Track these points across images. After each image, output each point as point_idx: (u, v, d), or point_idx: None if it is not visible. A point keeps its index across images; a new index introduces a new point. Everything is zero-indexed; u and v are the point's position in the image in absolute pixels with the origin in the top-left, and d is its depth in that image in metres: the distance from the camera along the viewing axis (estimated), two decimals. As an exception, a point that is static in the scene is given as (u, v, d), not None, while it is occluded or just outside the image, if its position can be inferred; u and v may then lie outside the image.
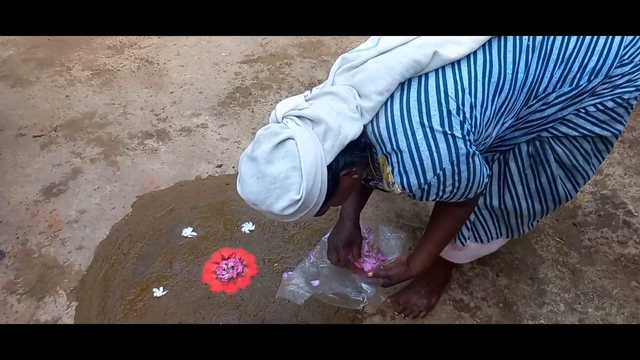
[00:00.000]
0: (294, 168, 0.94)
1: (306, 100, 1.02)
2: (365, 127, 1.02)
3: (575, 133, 1.12)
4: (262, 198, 0.96)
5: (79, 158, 2.06)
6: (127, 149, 2.11)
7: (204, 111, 2.30)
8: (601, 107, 1.09)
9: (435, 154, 0.97)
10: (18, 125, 2.20)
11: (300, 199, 0.94)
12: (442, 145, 0.97)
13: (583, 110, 1.10)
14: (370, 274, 1.28)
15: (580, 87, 1.06)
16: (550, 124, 1.12)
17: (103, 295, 1.60)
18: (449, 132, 0.97)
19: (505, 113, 1.06)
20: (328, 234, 1.43)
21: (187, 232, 1.79)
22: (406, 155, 0.98)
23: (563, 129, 1.12)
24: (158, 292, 1.60)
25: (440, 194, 1.03)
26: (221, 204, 1.89)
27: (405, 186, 1.01)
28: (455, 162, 0.98)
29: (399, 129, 0.98)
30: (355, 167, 1.05)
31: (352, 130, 0.99)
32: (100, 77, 2.50)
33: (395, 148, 0.99)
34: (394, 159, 1.01)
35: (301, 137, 0.94)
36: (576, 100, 1.08)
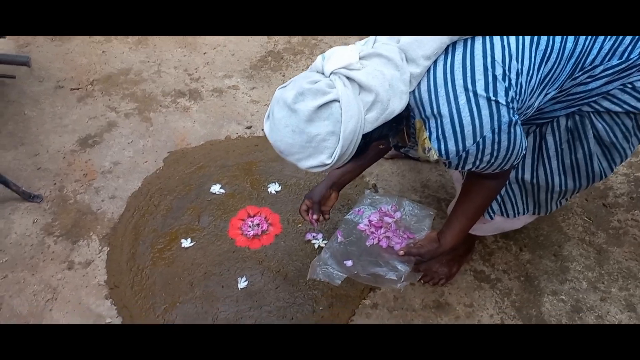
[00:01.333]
0: (333, 133, 0.92)
1: (360, 58, 0.97)
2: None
3: (618, 109, 1.08)
4: (293, 151, 0.96)
5: (114, 112, 2.11)
6: (160, 106, 2.15)
7: (236, 73, 2.32)
8: None
9: (477, 121, 0.94)
10: (57, 78, 2.26)
11: (330, 162, 0.95)
12: (485, 112, 0.94)
13: (630, 85, 1.06)
14: (401, 252, 1.26)
15: (631, 61, 1.02)
16: (593, 99, 1.08)
17: (133, 242, 1.67)
18: (493, 98, 0.94)
19: (550, 83, 1.03)
20: (351, 212, 1.44)
21: (216, 188, 1.83)
22: (446, 120, 0.96)
23: (606, 104, 1.09)
24: (186, 243, 1.66)
25: (478, 163, 1.01)
26: (249, 164, 1.93)
27: (443, 153, 0.99)
28: (496, 130, 0.96)
29: (441, 92, 0.95)
30: (386, 139, 1.07)
31: (399, 106, 0.97)
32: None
33: (435, 112, 0.97)
34: (433, 124, 0.98)
35: (347, 102, 0.91)
36: (624, 74, 1.04)
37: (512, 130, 0.98)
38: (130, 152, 1.95)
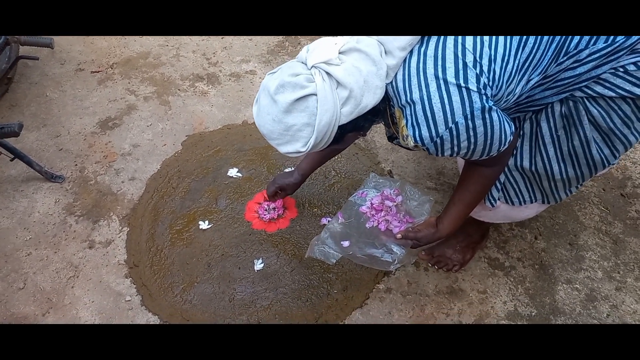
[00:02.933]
0: (309, 124, 0.98)
1: (339, 53, 1.00)
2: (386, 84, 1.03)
3: (612, 93, 1.06)
4: (272, 137, 1.03)
5: (134, 95, 2.14)
6: (179, 89, 2.17)
7: (253, 58, 2.33)
8: None
9: (447, 107, 0.96)
10: (77, 61, 2.29)
11: (305, 150, 1.01)
12: (455, 98, 0.95)
13: (621, 69, 1.04)
14: (399, 235, 1.30)
15: (617, 44, 1.00)
16: (584, 83, 1.07)
17: (153, 223, 1.70)
18: (463, 85, 0.95)
19: (531, 69, 1.02)
20: (355, 195, 1.47)
21: (233, 172, 1.85)
22: (419, 107, 0.98)
23: (599, 88, 1.07)
24: (203, 225, 1.69)
25: (456, 149, 1.02)
26: (266, 149, 1.94)
27: (417, 139, 1.01)
28: (469, 116, 0.96)
29: (414, 80, 0.98)
30: (363, 130, 1.11)
31: (372, 101, 1.01)
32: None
33: (409, 100, 0.99)
34: (408, 111, 1.01)
35: (324, 96, 0.96)
36: (612, 58, 1.03)
37: (487, 116, 0.98)
38: (150, 135, 1.98)
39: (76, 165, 1.88)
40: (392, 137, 1.29)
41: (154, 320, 1.48)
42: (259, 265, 1.59)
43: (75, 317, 1.49)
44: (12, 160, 1.72)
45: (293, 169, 1.63)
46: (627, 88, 1.05)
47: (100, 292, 1.54)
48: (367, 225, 1.39)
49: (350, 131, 1.07)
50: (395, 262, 1.30)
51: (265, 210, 1.72)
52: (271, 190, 1.63)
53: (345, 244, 1.37)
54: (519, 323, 1.47)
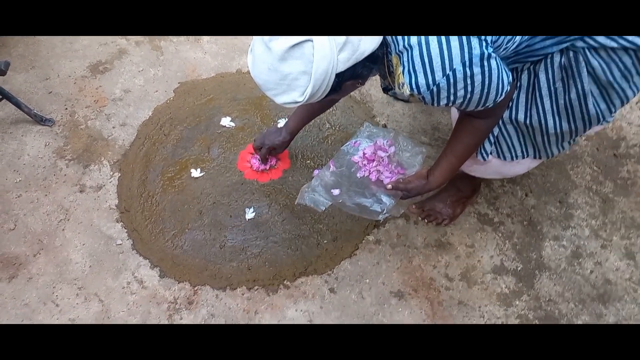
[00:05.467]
0: (305, 72, 0.95)
1: None
2: None
3: (614, 44, 1.04)
4: (268, 87, 1.00)
5: (125, 39, 2.07)
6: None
7: (249, 5, 2.25)
8: None
9: (445, 53, 0.93)
10: (66, 1, 2.21)
11: (302, 100, 0.98)
12: (454, 44, 0.92)
13: None
14: (389, 186, 1.30)
15: None
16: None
17: (144, 170, 1.69)
18: None
19: None
20: (348, 144, 1.46)
21: (226, 121, 1.83)
22: (416, 52, 0.95)
23: (601, 38, 1.04)
24: (195, 173, 1.68)
25: (452, 98, 0.99)
26: (259, 99, 1.91)
27: (414, 86, 0.98)
28: (467, 63, 0.93)
29: None
30: (362, 78, 1.07)
31: (370, 46, 0.98)
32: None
33: (406, 44, 0.96)
34: (405, 57, 0.97)
35: (320, 43, 0.93)
36: None
37: (486, 63, 0.95)
38: (141, 80, 1.94)
39: (66, 109, 1.84)
40: (387, 89, 1.26)
41: (144, 263, 1.50)
42: (250, 214, 1.60)
43: (66, 258, 1.50)
44: (-1, 101, 1.69)
45: (283, 123, 1.59)
46: (630, 38, 1.02)
47: (91, 235, 1.55)
48: (358, 175, 1.39)
49: (348, 79, 1.04)
50: (384, 212, 1.30)
51: (258, 160, 1.71)
52: (263, 153, 1.60)
53: (336, 192, 1.37)
54: (504, 277, 1.50)
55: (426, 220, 1.60)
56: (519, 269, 1.52)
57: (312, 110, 1.51)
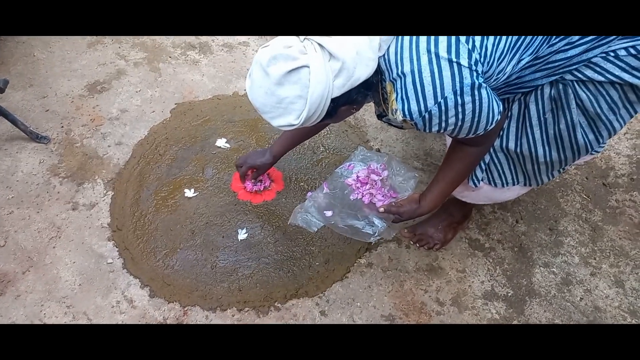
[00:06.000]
0: (301, 97, 0.98)
1: None
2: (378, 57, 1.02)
3: (601, 78, 1.07)
4: (265, 110, 1.03)
5: (124, 60, 2.11)
6: (170, 57, 2.14)
7: (248, 30, 2.30)
8: (633, 52, 1.03)
9: (437, 81, 0.96)
10: (67, 22, 2.24)
11: (298, 123, 1.01)
12: (446, 73, 0.95)
13: (612, 54, 1.05)
14: (382, 209, 1.31)
15: None
16: (575, 66, 1.08)
17: (138, 188, 1.70)
18: (454, 59, 0.95)
19: (522, 48, 1.03)
20: (342, 166, 1.48)
21: (221, 142, 1.84)
22: (409, 80, 0.98)
23: (589, 72, 1.08)
24: (189, 193, 1.69)
25: (444, 125, 1.02)
26: (255, 121, 1.93)
27: (406, 112, 1.01)
28: (458, 92, 0.96)
29: (406, 53, 0.98)
30: (356, 104, 1.10)
31: (365, 73, 1.01)
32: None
33: (400, 72, 0.99)
34: (399, 85, 1.00)
35: (316, 68, 0.96)
36: (603, 42, 1.04)
37: (477, 93, 0.98)
38: (138, 100, 1.96)
39: (62, 127, 1.85)
40: (381, 115, 1.29)
41: (134, 283, 1.49)
42: (242, 234, 1.60)
43: (55, 276, 1.48)
44: (-4, 117, 1.70)
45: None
46: (617, 73, 1.06)
47: (82, 254, 1.54)
48: (351, 197, 1.40)
49: (343, 104, 1.06)
50: (376, 234, 1.31)
51: (252, 182, 1.72)
52: (242, 171, 1.61)
53: (328, 213, 1.38)
54: (494, 303, 1.50)
55: (418, 245, 1.60)
56: (509, 294, 1.52)
57: (298, 135, 1.52)
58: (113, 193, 1.69)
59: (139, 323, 1.41)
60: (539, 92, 1.16)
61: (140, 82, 2.03)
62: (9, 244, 1.54)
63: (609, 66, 1.06)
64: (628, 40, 1.04)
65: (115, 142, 1.82)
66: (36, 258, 1.52)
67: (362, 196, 1.39)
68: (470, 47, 0.96)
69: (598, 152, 1.26)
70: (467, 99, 0.98)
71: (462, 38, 0.95)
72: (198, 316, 1.44)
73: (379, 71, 1.06)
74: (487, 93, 1.00)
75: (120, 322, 1.41)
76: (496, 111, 1.04)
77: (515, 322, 1.47)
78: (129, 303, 1.45)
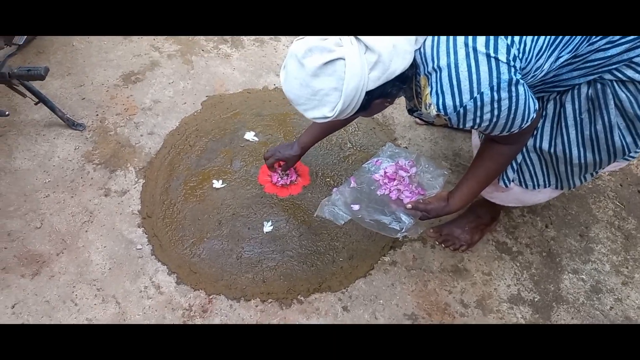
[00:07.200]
0: (336, 89, 0.97)
1: None
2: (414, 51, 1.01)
3: None
4: (300, 102, 1.02)
5: (158, 52, 2.15)
6: (203, 50, 2.17)
7: (279, 25, 2.31)
8: None
9: (474, 76, 0.94)
10: (105, 14, 2.30)
11: (332, 115, 1.00)
12: (483, 68, 0.93)
13: None
14: (409, 205, 1.30)
15: None
16: (615, 66, 1.05)
17: (168, 178, 1.73)
18: (492, 54, 0.93)
19: (562, 45, 1.00)
20: (369, 162, 1.47)
21: (249, 135, 1.87)
22: (445, 74, 0.96)
23: (630, 72, 1.05)
24: (217, 184, 1.71)
25: (478, 120, 1.00)
26: (284, 116, 1.95)
27: (441, 107, 0.99)
28: (495, 87, 0.94)
29: (443, 47, 0.96)
30: (390, 97, 1.09)
31: (401, 66, 0.99)
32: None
33: (436, 66, 0.97)
34: (434, 79, 0.99)
35: (351, 61, 0.95)
36: None
37: (514, 89, 0.96)
38: (171, 92, 2.00)
39: (97, 115, 1.90)
40: (412, 110, 1.28)
41: (162, 269, 1.52)
42: (268, 227, 1.62)
43: (87, 259, 1.53)
44: (36, 104, 1.76)
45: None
46: None
47: (113, 239, 1.58)
48: (378, 193, 1.40)
49: (377, 98, 1.05)
50: (403, 230, 1.30)
51: (279, 175, 1.74)
52: (270, 163, 1.62)
53: (355, 207, 1.38)
54: (520, 307, 1.48)
55: (443, 245, 1.59)
56: (536, 299, 1.50)
57: (326, 128, 1.52)
58: (144, 181, 1.73)
59: (165, 308, 1.45)
60: (575, 91, 1.13)
61: (173, 74, 2.07)
62: (45, 226, 1.59)
63: None
64: None
65: (147, 132, 1.86)
66: (69, 241, 1.57)
67: (390, 192, 1.39)
68: (509, 42, 0.94)
69: (634, 157, 1.22)
70: (504, 95, 0.96)
71: None
72: (222, 305, 1.46)
73: (414, 64, 1.04)
74: (524, 90, 0.98)
75: (147, 307, 1.45)
76: (532, 109, 1.02)
77: (540, 328, 1.44)
78: (156, 289, 1.49)
